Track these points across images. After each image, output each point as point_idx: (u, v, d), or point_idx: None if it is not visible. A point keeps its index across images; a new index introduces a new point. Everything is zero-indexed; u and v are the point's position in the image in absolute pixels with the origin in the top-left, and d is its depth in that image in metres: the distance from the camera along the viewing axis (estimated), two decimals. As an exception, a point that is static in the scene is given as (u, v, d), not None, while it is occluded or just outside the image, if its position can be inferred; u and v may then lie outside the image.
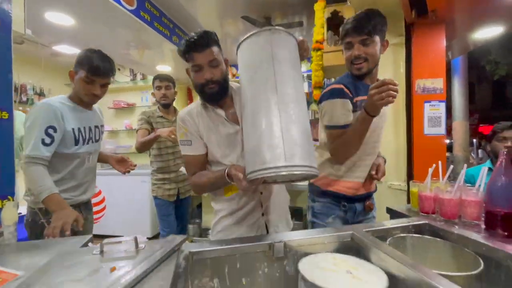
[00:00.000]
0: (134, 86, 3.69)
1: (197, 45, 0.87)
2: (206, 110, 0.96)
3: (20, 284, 0.49)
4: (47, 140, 1.11)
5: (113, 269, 0.51)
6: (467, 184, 0.96)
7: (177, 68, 2.95)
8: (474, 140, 6.08)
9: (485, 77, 9.48)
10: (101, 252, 0.59)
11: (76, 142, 1.21)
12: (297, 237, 0.74)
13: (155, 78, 2.00)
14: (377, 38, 1.09)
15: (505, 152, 0.79)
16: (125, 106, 3.72)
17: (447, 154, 4.87)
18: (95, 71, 1.17)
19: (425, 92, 1.71)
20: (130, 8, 1.88)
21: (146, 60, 2.74)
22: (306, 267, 0.62)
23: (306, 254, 0.69)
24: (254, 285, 0.69)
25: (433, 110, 1.69)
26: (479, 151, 5.87)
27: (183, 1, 2.25)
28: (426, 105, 1.70)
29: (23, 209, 1.25)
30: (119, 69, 3.65)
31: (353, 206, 1.22)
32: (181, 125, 0.97)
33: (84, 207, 1.33)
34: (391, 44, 1.87)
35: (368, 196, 1.25)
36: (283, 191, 1.08)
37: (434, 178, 0.98)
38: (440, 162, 1.00)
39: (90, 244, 0.73)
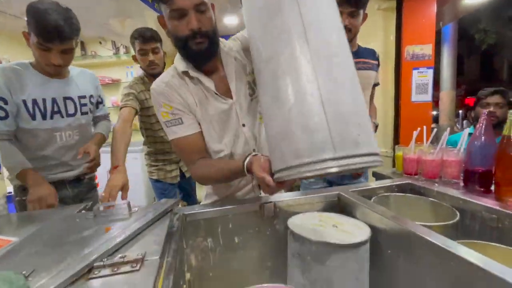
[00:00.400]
0: (118, 61, 3.52)
1: None
2: (191, 80, 0.77)
3: (14, 247, 0.50)
4: (0, 113, 0.97)
5: (107, 229, 0.52)
6: (449, 146, 1.00)
7: (163, 39, 2.82)
8: (460, 111, 6.24)
9: (474, 49, 9.50)
10: (95, 216, 0.60)
11: (33, 117, 1.02)
12: (287, 198, 0.77)
13: (135, 38, 1.45)
14: (361, 11, 1.17)
15: (485, 113, 0.82)
16: (110, 82, 3.57)
17: (433, 125, 5.00)
18: (48, 37, 0.91)
19: (414, 59, 1.72)
20: (106, -29, 1.73)
21: (128, 30, 2.60)
22: (294, 223, 0.65)
23: (295, 214, 0.72)
24: (246, 243, 0.73)
25: (421, 77, 1.70)
26: (464, 121, 6.05)
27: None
28: (414, 72, 1.72)
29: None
30: (100, 43, 3.46)
31: None
32: (161, 102, 0.76)
33: (75, 184, 1.20)
34: (382, 9, 1.83)
35: None
36: None
37: (418, 142, 1.02)
38: (425, 127, 1.04)
39: (83, 212, 0.74)
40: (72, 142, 1.15)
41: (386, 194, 0.85)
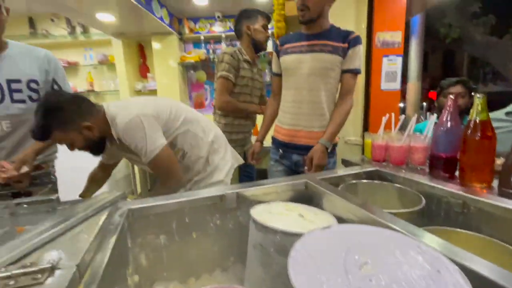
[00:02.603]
0: (74, 42, 3.19)
1: None
2: None
3: None
4: None
5: (20, 230, 0.42)
6: (416, 133, 1.00)
7: (122, 17, 2.56)
8: (424, 104, 6.61)
9: (438, 47, 9.99)
10: (12, 213, 0.49)
11: None
12: (250, 187, 0.71)
13: (259, 14, 1.54)
14: None
15: (452, 97, 0.81)
16: (66, 65, 3.23)
17: (401, 116, 5.20)
18: None
19: (384, 46, 1.73)
20: None
21: (84, 6, 2.33)
22: (257, 211, 0.60)
23: (260, 203, 0.66)
24: (206, 237, 0.66)
25: (391, 65, 1.72)
26: (428, 113, 6.41)
27: None
28: (384, 59, 1.73)
29: None
30: (52, 20, 3.10)
31: (290, 155, 1.27)
32: None
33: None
34: (354, -4, 1.80)
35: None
36: None
37: (387, 130, 1.01)
38: (393, 114, 1.03)
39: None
40: (11, 130, 0.98)
41: (354, 181, 0.82)
